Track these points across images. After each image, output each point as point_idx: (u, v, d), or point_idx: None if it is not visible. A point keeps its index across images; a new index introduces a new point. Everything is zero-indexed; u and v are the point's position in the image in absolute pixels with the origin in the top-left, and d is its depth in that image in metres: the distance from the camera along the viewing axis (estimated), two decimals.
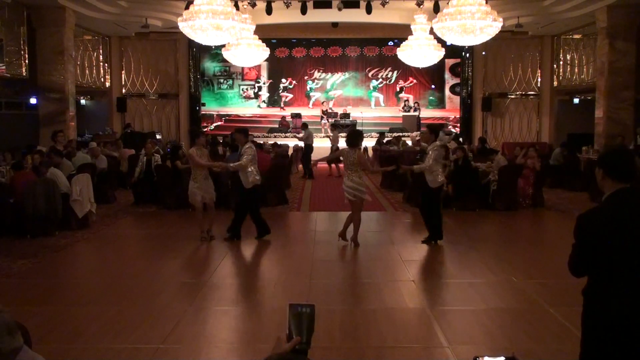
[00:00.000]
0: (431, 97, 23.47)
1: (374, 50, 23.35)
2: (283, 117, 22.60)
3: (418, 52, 15.47)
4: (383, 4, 15.17)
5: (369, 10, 15.72)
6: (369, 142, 18.81)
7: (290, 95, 23.71)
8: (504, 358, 1.77)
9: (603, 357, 2.68)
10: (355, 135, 8.21)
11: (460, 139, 17.59)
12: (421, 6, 15.10)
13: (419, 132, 18.82)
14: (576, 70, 18.89)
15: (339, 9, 15.19)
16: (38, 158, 9.95)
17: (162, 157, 12.38)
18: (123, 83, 20.60)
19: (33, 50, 14.47)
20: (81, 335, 4.89)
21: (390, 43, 22.07)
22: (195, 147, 8.47)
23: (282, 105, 23.25)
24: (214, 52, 21.32)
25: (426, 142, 8.22)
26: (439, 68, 21.26)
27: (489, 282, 6.42)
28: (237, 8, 13.06)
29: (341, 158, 8.60)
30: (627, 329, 2.60)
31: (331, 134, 17.48)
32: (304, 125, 18.07)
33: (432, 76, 23.04)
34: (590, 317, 2.73)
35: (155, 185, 11.51)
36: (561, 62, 19.80)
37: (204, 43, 12.45)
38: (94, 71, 19.12)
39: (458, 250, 7.97)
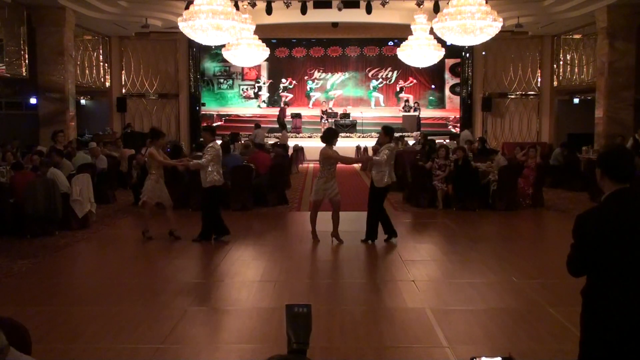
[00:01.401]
0: (431, 97, 23.46)
1: (374, 50, 23.33)
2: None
3: (418, 52, 15.47)
4: (383, 4, 15.17)
5: (369, 10, 15.72)
6: (369, 142, 18.84)
7: (290, 95, 23.70)
8: (500, 358, 1.77)
9: (602, 357, 2.68)
10: (327, 132, 8.31)
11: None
12: (421, 6, 15.10)
13: (418, 133, 18.87)
14: (576, 70, 18.89)
15: (339, 9, 15.20)
16: (37, 159, 9.93)
17: None
18: (123, 83, 20.61)
19: (33, 50, 14.47)
20: (81, 335, 4.89)
21: (390, 43, 22.05)
22: (154, 147, 8.37)
23: (282, 105, 23.25)
24: (214, 52, 21.31)
25: (381, 143, 8.26)
26: (439, 68, 21.23)
27: (489, 282, 6.42)
28: (237, 8, 13.07)
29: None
30: (626, 329, 2.60)
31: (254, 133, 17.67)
32: (257, 126, 18.20)
33: (432, 76, 23.02)
34: (589, 317, 2.73)
35: None
36: (561, 62, 19.80)
37: (204, 43, 12.45)
38: (94, 71, 19.12)
39: (458, 250, 7.97)
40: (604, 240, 2.64)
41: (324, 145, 8.06)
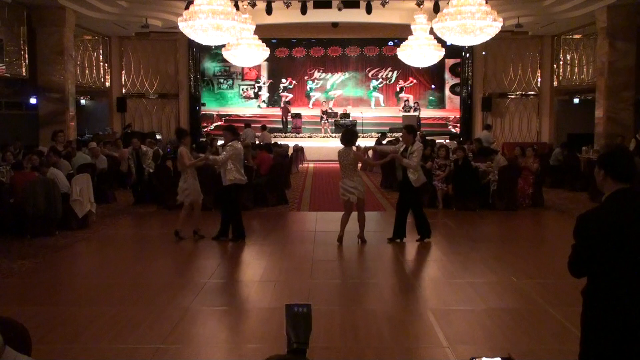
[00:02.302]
0: (431, 97, 23.45)
1: (374, 50, 23.33)
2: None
3: (418, 52, 15.46)
4: (383, 4, 15.17)
5: (369, 10, 15.72)
6: (369, 143, 18.82)
7: (290, 95, 23.71)
8: (500, 359, 1.77)
9: (603, 357, 2.68)
10: (349, 134, 8.30)
11: (461, 139, 17.60)
12: (421, 6, 15.10)
13: (418, 133, 18.83)
14: (576, 70, 18.88)
15: (339, 9, 15.20)
16: (36, 159, 9.91)
17: (162, 157, 12.43)
18: (123, 83, 20.61)
19: (33, 50, 14.46)
20: (81, 335, 4.89)
21: (390, 43, 22.05)
22: (183, 146, 8.39)
23: (282, 105, 23.27)
24: (214, 52, 21.30)
25: (406, 142, 8.21)
26: (439, 68, 21.24)
27: (489, 282, 6.42)
28: (237, 8, 13.06)
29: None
30: (626, 330, 2.60)
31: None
32: (246, 125, 18.15)
33: (432, 76, 23.02)
34: (589, 318, 2.73)
35: (155, 185, 11.51)
36: (561, 62, 19.80)
37: (204, 43, 12.45)
38: (94, 71, 19.12)
39: (458, 250, 7.97)
40: (606, 241, 2.64)
41: (343, 146, 8.04)
